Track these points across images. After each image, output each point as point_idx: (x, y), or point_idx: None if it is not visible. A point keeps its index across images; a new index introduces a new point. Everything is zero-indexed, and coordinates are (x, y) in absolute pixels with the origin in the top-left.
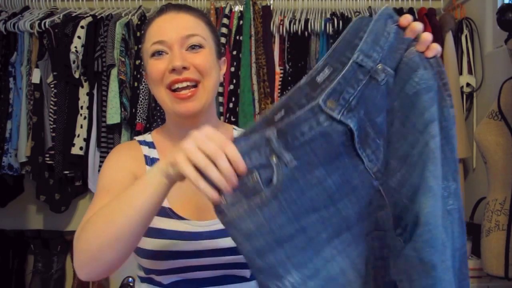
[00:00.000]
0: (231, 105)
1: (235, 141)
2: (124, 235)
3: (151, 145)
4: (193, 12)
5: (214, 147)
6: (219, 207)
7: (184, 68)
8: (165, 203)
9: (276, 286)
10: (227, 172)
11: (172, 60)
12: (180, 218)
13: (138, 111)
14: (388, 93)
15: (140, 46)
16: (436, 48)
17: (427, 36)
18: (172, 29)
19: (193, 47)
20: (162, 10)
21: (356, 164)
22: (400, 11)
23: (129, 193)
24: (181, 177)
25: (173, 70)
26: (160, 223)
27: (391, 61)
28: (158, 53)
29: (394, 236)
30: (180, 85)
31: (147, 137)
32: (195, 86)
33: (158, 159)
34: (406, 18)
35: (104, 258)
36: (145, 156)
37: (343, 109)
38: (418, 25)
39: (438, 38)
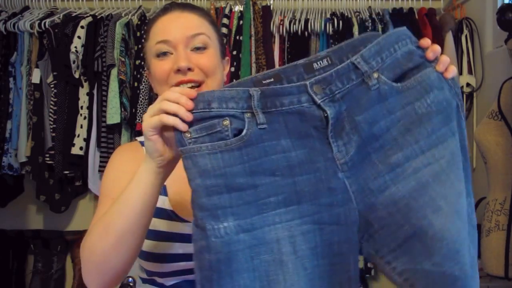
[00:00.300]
0: None
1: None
2: (125, 235)
3: None
4: (197, 11)
5: (159, 100)
6: (182, 137)
7: (189, 69)
8: (168, 206)
9: (211, 226)
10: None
11: (177, 60)
12: (182, 220)
13: (138, 111)
14: (383, 99)
15: (140, 46)
16: (454, 69)
17: (446, 58)
18: (176, 29)
19: (198, 48)
20: (166, 9)
21: (325, 150)
22: (400, 11)
23: (124, 194)
24: (161, 154)
25: (178, 71)
26: (163, 225)
27: (389, 73)
28: (163, 54)
29: (356, 236)
30: (184, 85)
31: None
32: (199, 86)
33: None
34: (426, 41)
35: (110, 263)
36: None
37: (326, 97)
38: (438, 47)
39: (438, 38)
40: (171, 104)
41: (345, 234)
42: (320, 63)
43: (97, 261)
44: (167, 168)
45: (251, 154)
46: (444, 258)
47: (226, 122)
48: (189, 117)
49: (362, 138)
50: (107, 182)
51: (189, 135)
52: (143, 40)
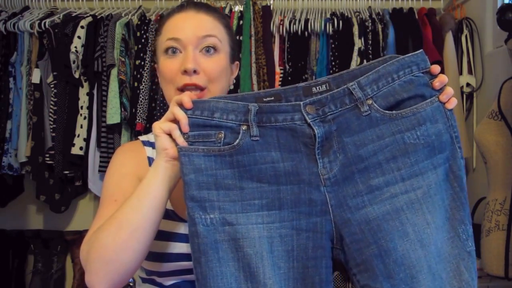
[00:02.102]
0: None
1: (226, 97)
2: (138, 230)
3: (154, 146)
4: (213, 13)
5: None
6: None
7: (195, 71)
8: (168, 206)
9: (199, 215)
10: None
11: (185, 61)
12: (182, 220)
13: (138, 111)
14: (374, 125)
15: (140, 46)
16: (455, 101)
17: (451, 89)
18: (189, 28)
19: (207, 50)
20: (182, 6)
21: (311, 165)
22: (400, 11)
23: (137, 190)
24: (166, 148)
25: (185, 72)
26: (163, 225)
27: (383, 101)
28: (172, 51)
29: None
30: (188, 87)
31: (151, 137)
32: (202, 90)
33: None
34: (437, 68)
35: (121, 259)
36: (149, 158)
37: (317, 117)
38: (446, 78)
39: (438, 38)
40: (179, 112)
41: (320, 241)
42: (319, 88)
43: (108, 259)
44: (173, 165)
45: (241, 161)
46: (400, 281)
47: (221, 135)
48: (186, 129)
49: (348, 158)
50: (109, 185)
51: (187, 138)
52: (144, 38)
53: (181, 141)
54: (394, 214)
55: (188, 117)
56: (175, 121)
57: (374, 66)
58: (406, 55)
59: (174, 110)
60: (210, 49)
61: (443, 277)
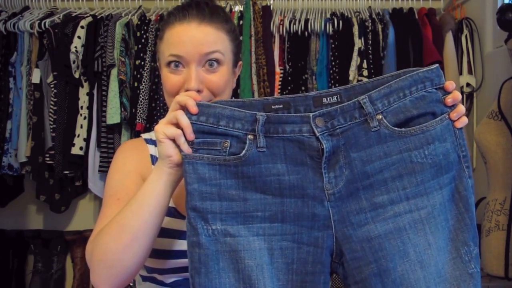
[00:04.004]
0: None
1: (235, 103)
2: (139, 235)
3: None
4: (215, 22)
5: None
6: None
7: (198, 91)
8: (170, 203)
9: (201, 225)
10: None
11: (188, 81)
12: (184, 217)
13: (138, 111)
14: (382, 141)
15: (140, 46)
16: (466, 120)
17: (463, 107)
18: (191, 45)
19: (211, 64)
20: (184, 16)
21: (316, 179)
22: (400, 11)
23: (138, 195)
24: (170, 155)
25: (188, 90)
26: (165, 222)
27: (393, 117)
28: (174, 65)
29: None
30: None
31: (154, 135)
32: None
33: None
34: (452, 85)
35: (123, 262)
36: (152, 156)
37: (326, 130)
38: (459, 95)
39: (438, 38)
40: (184, 119)
41: (320, 256)
42: (329, 99)
43: (110, 261)
44: (177, 171)
45: (246, 172)
46: None
47: (226, 144)
48: (192, 137)
49: (353, 174)
50: (112, 183)
51: (191, 144)
52: (144, 38)
53: (186, 148)
54: (396, 233)
55: (193, 123)
56: (178, 125)
57: (387, 80)
58: (421, 70)
59: (178, 115)
60: (213, 63)
61: None
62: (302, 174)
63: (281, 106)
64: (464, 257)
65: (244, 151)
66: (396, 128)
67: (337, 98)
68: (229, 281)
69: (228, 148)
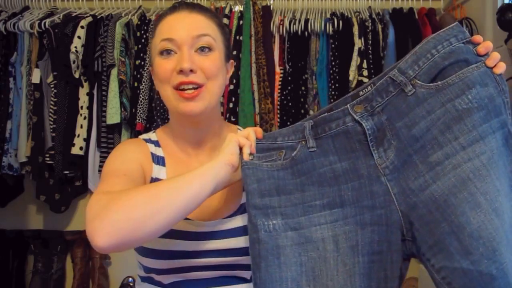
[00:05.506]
0: (231, 105)
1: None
2: (173, 210)
3: (156, 143)
4: (206, 12)
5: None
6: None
7: (191, 71)
8: None
9: (262, 222)
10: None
11: (180, 61)
12: (185, 218)
13: (138, 111)
14: (421, 101)
15: (140, 46)
16: (504, 66)
17: (497, 54)
18: (183, 28)
19: (202, 49)
20: (175, 8)
21: (368, 159)
22: (400, 11)
23: (183, 180)
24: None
25: (181, 71)
26: None
27: (426, 76)
28: (166, 52)
29: (398, 237)
30: (185, 86)
31: (152, 135)
32: (200, 88)
33: (163, 157)
34: (479, 37)
35: (143, 224)
36: (152, 154)
37: (365, 113)
38: (491, 44)
39: None
40: (253, 136)
41: (385, 234)
42: (365, 90)
43: (131, 216)
44: (227, 171)
45: (301, 169)
46: (482, 257)
47: (282, 153)
48: (254, 151)
49: (402, 142)
50: (115, 162)
51: (251, 157)
52: (144, 38)
53: (247, 156)
54: (461, 186)
55: (256, 143)
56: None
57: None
58: (441, 31)
59: (251, 133)
60: (205, 49)
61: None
62: (353, 158)
63: (325, 113)
64: None
65: (295, 152)
66: (431, 84)
67: (371, 86)
68: (290, 274)
69: (283, 156)
